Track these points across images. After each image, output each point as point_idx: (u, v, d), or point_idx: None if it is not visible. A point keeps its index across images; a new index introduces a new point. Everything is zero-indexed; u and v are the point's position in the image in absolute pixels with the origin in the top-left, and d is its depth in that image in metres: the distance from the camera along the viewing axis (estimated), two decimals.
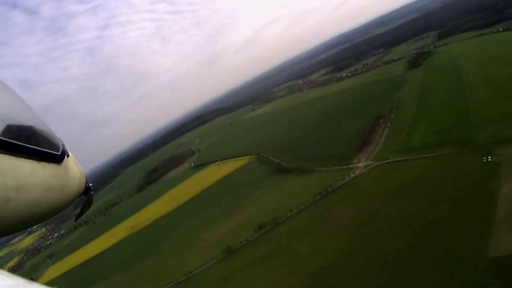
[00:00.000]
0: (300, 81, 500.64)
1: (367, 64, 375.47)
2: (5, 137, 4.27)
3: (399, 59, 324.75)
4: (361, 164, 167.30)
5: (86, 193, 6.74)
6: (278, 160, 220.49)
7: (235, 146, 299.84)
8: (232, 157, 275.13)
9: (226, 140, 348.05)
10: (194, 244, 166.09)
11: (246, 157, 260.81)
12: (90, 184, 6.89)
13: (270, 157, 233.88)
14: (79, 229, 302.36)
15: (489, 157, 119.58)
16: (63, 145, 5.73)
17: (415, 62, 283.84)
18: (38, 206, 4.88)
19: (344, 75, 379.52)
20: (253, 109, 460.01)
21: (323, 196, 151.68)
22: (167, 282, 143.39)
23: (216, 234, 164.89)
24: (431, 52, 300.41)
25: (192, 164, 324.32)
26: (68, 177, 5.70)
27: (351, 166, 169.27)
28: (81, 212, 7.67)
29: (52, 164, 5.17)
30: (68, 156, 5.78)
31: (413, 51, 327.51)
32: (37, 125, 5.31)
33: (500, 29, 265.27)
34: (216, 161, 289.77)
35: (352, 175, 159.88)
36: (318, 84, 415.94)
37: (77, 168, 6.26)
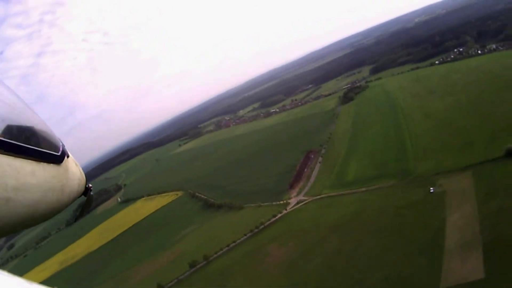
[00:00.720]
0: (227, 117, 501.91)
1: (296, 100, 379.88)
2: (4, 138, 4.25)
3: (330, 94, 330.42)
4: (293, 200, 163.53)
5: (86, 194, 6.71)
6: (205, 197, 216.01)
7: (162, 181, 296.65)
8: (158, 193, 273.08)
9: (152, 175, 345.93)
10: (125, 281, 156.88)
11: (173, 192, 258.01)
12: (90, 185, 6.86)
13: (197, 193, 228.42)
14: (11, 262, 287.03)
15: (431, 188, 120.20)
16: (63, 146, 5.70)
17: (346, 97, 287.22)
18: (38, 206, 4.80)
19: (272, 110, 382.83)
20: (180, 145, 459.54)
21: (255, 233, 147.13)
22: None
23: (147, 271, 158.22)
24: (363, 87, 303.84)
25: (119, 199, 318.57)
26: (68, 178, 5.68)
27: (282, 202, 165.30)
28: (81, 213, 7.98)
29: (52, 164, 5.14)
30: (68, 156, 5.76)
31: (345, 87, 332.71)
32: (37, 125, 5.28)
33: (437, 62, 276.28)
34: (143, 196, 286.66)
35: (284, 211, 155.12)
36: (245, 120, 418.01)
37: (77, 169, 6.25)
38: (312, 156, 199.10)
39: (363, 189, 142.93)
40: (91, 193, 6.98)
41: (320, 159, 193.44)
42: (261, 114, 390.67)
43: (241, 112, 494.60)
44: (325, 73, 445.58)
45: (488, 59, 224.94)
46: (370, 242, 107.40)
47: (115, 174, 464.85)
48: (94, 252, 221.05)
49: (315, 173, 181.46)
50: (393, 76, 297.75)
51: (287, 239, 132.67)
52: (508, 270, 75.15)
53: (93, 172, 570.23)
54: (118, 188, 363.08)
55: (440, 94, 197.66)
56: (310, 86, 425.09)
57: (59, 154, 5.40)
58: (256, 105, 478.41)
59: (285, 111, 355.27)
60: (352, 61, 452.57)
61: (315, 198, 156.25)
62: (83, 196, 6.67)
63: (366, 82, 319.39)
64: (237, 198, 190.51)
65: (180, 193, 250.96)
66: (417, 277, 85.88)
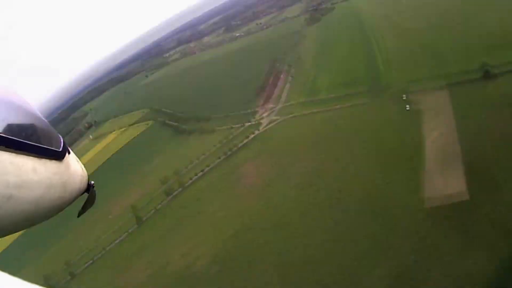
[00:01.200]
0: (192, 44, 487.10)
1: (261, 23, 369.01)
2: (6, 134, 4.15)
3: (295, 17, 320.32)
4: (265, 119, 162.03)
5: (88, 191, 6.59)
6: (177, 124, 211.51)
7: (132, 113, 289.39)
8: (129, 125, 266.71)
9: (121, 109, 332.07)
10: (104, 217, 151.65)
11: (143, 123, 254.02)
12: (92, 182, 6.78)
13: (168, 121, 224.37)
14: None
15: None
16: (64, 142, 5.54)
17: (313, 18, 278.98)
18: (40, 203, 4.71)
19: (237, 35, 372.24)
20: (147, 76, 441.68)
21: (229, 156, 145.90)
22: (84, 261, 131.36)
23: (124, 204, 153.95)
24: (330, 8, 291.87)
25: (91, 136, 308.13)
26: (69, 174, 5.56)
27: (254, 122, 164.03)
28: (83, 209, 7.07)
29: (53, 161, 5.03)
30: (69, 153, 5.65)
31: (310, 9, 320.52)
32: (38, 122, 5.15)
33: None
34: (114, 130, 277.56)
35: (257, 132, 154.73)
36: (211, 45, 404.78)
37: (78, 166, 6.18)
38: (282, 76, 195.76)
39: (337, 106, 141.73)
40: (94, 190, 6.82)
41: (290, 79, 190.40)
42: (227, 40, 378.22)
43: (206, 39, 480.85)
44: None
45: None
46: (349, 159, 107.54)
47: (83, 114, 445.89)
48: None
49: (285, 93, 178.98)
50: None
51: (262, 159, 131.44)
52: (492, 190, 75.28)
53: (62, 115, 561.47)
54: (89, 126, 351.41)
55: (409, 15, 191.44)
56: (273, 9, 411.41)
57: (60, 150, 5.21)
58: (221, 30, 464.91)
59: (251, 34, 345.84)
60: None
61: (287, 117, 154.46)
62: (85, 193, 6.50)
63: (332, 4, 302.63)
64: (208, 122, 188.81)
65: (150, 122, 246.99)
66: (398, 195, 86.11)
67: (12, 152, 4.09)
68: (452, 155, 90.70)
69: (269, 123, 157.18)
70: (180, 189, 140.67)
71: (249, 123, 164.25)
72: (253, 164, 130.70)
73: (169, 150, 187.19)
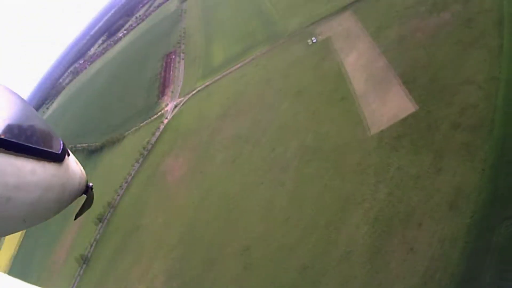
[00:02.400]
0: (81, 61, 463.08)
1: (139, 15, 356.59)
2: (5, 136, 4.17)
3: None
4: (169, 106, 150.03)
5: (87, 192, 6.45)
6: (86, 144, 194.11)
7: None
8: None
9: None
10: (49, 268, 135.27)
11: None
12: (91, 184, 6.62)
13: (78, 145, 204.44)
14: None
15: (313, 38, 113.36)
16: (64, 144, 5.41)
17: None
18: (39, 205, 4.68)
19: (120, 35, 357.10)
20: (47, 108, 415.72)
21: (146, 157, 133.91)
22: None
23: (63, 249, 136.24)
24: None
25: None
26: (68, 176, 5.47)
27: (159, 113, 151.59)
28: (81, 211, 6.98)
29: (52, 163, 4.93)
30: (68, 155, 5.53)
31: None
32: (38, 124, 5.10)
33: None
34: None
35: (166, 121, 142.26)
36: (97, 55, 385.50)
37: (77, 167, 6.04)
38: (173, 56, 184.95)
39: (238, 65, 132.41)
40: (92, 191, 6.53)
41: (182, 55, 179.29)
42: (111, 43, 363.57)
43: (91, 51, 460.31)
44: None
45: None
46: (271, 113, 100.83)
47: None
48: None
49: (181, 71, 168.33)
50: None
51: (179, 148, 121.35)
52: (438, 94, 70.06)
53: None
54: None
55: None
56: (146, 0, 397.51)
57: (59, 152, 5.05)
58: (104, 37, 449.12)
59: (132, 30, 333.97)
60: None
61: (191, 94, 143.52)
62: (83, 195, 6.26)
63: None
64: (115, 131, 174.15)
65: None
66: (341, 131, 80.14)
67: (11, 154, 4.03)
68: (381, 70, 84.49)
69: (174, 107, 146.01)
70: (111, 210, 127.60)
71: (155, 116, 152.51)
72: (173, 156, 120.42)
73: (87, 173, 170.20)
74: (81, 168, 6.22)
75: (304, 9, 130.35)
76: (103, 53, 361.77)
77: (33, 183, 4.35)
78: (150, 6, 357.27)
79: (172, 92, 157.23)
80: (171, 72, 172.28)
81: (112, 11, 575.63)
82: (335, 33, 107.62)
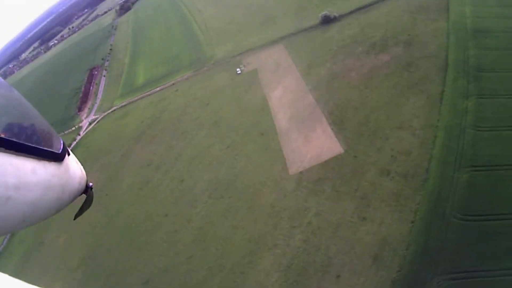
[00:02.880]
0: (11, 65, 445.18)
1: (73, 27, 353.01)
2: (5, 136, 4.14)
3: (105, 12, 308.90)
4: (84, 122, 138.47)
5: (86, 192, 6.29)
6: None
7: None
8: None
9: None
10: None
11: None
12: (91, 184, 6.47)
13: None
14: None
15: (238, 68, 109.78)
16: (64, 144, 5.33)
17: (123, 8, 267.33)
18: (38, 205, 4.61)
19: (51, 44, 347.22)
20: None
21: None
22: None
23: None
24: None
25: None
26: (68, 176, 5.37)
27: (74, 128, 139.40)
28: (80, 211, 6.73)
29: (52, 162, 4.86)
30: (68, 154, 5.45)
31: (121, 1, 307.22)
32: (38, 123, 5.04)
33: None
34: None
35: (78, 137, 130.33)
36: (28, 61, 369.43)
37: (77, 167, 5.95)
38: (96, 72, 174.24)
39: (158, 88, 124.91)
40: (92, 191, 6.35)
41: (104, 72, 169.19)
42: (42, 51, 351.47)
43: (23, 56, 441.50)
44: None
45: None
46: (184, 142, 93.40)
47: None
48: None
49: (101, 87, 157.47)
50: None
51: (89, 166, 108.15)
52: (368, 137, 65.99)
53: None
54: None
55: None
56: (85, 10, 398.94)
57: (59, 152, 4.95)
58: (36, 44, 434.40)
59: (64, 40, 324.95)
60: None
61: (107, 112, 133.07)
62: (83, 194, 6.08)
63: None
64: None
65: None
66: (257, 168, 73.08)
67: (12, 153, 3.99)
68: (308, 108, 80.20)
69: (89, 124, 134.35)
70: None
71: (70, 130, 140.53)
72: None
73: None
74: (81, 167, 5.96)
75: (234, 38, 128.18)
76: (33, 60, 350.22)
77: (33, 183, 4.23)
78: (85, 19, 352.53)
79: (89, 108, 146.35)
80: (92, 88, 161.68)
81: (49, 19, 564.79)
82: (263, 65, 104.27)
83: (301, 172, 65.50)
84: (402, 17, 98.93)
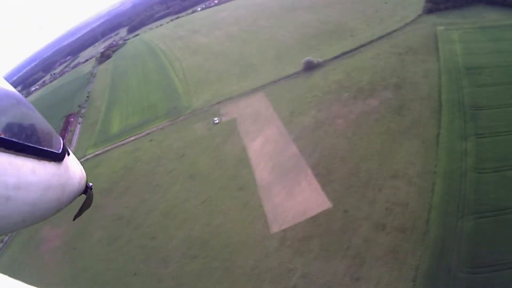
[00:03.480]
0: None
1: (55, 73, 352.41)
2: (5, 135, 4.05)
3: (87, 60, 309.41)
4: None
5: (86, 192, 6.02)
6: None
7: None
8: None
9: None
10: None
11: None
12: (91, 184, 6.19)
13: None
14: None
15: (215, 118, 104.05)
16: (64, 144, 5.18)
17: (103, 56, 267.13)
18: (38, 205, 4.48)
19: (32, 89, 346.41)
20: None
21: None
22: None
23: None
24: (121, 45, 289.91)
25: None
26: (68, 176, 5.17)
27: None
28: (79, 212, 6.38)
29: (52, 162, 4.72)
30: (68, 154, 5.24)
31: (102, 50, 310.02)
32: (38, 123, 4.92)
33: (199, 9, 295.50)
34: None
35: None
36: None
37: (77, 167, 5.70)
38: (72, 119, 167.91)
39: (133, 138, 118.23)
40: (92, 192, 6.05)
41: (80, 119, 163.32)
42: (23, 95, 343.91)
43: None
44: (82, 43, 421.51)
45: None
46: (158, 196, 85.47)
47: None
48: None
49: (76, 135, 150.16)
50: (152, 29, 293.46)
51: (58, 217, 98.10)
52: (359, 189, 59.19)
53: None
54: None
55: (205, 31, 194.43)
56: (68, 57, 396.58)
57: (59, 152, 4.79)
58: (19, 88, 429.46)
59: (45, 85, 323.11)
60: (108, 26, 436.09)
61: (80, 161, 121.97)
62: (83, 194, 5.82)
63: (124, 40, 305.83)
64: None
65: None
66: (235, 226, 64.86)
67: (12, 153, 3.90)
68: (291, 160, 73.19)
69: None
70: None
71: None
72: (50, 225, 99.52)
73: None
74: (81, 168, 5.73)
75: (212, 86, 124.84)
76: None
77: (33, 183, 4.14)
78: (67, 66, 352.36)
79: None
80: (66, 135, 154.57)
81: (33, 64, 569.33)
82: (242, 114, 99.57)
83: (284, 230, 58.13)
84: (390, 59, 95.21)
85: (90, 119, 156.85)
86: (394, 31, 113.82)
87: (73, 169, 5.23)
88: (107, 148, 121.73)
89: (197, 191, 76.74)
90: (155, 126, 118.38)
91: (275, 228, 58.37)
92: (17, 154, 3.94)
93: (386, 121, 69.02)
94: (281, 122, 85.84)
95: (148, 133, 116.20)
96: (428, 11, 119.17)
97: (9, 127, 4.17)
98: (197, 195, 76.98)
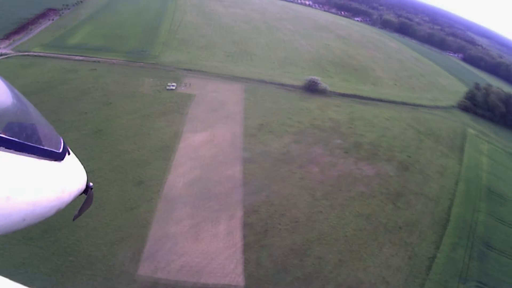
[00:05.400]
0: None
1: None
2: (6, 135, 4.02)
3: None
4: None
5: (87, 192, 6.04)
6: None
7: None
8: None
9: None
10: None
11: None
12: (91, 184, 6.17)
13: None
14: None
15: (171, 84, 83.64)
16: (64, 143, 5.26)
17: None
18: (38, 204, 4.45)
19: None
20: None
21: None
22: None
23: None
24: None
25: None
26: (68, 175, 5.22)
27: None
28: (80, 212, 6.37)
29: (53, 161, 4.76)
30: (69, 154, 5.34)
31: None
32: (38, 123, 4.88)
33: None
34: None
35: None
36: None
37: (78, 166, 5.77)
38: (51, 13, 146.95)
39: (79, 57, 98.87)
40: (92, 191, 6.05)
41: (56, 18, 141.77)
42: None
43: None
44: None
45: None
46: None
47: None
48: None
49: (39, 29, 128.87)
50: None
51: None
52: (287, 276, 36.26)
53: None
54: None
55: (226, 4, 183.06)
56: None
57: (60, 151, 4.90)
58: None
59: None
60: None
61: (20, 54, 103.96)
62: (83, 194, 5.85)
63: None
64: None
65: None
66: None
67: (12, 152, 3.88)
68: (226, 182, 49.16)
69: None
70: None
71: None
72: None
73: None
74: (82, 167, 5.72)
75: (195, 52, 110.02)
76: None
77: (33, 182, 4.09)
78: None
79: (14, 41, 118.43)
80: (35, 25, 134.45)
81: None
82: (204, 96, 79.77)
83: (156, 281, 33.53)
84: (406, 131, 74.89)
85: (63, 22, 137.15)
86: (422, 106, 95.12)
87: (73, 169, 5.13)
88: (50, 54, 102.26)
89: (88, 155, 50.71)
90: (109, 58, 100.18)
91: (144, 270, 34.06)
92: (18, 153, 3.83)
93: (374, 203, 47.61)
94: (242, 129, 63.82)
95: (97, 62, 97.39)
96: (463, 108, 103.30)
97: (9, 127, 3.99)
98: (86, 161, 48.32)
